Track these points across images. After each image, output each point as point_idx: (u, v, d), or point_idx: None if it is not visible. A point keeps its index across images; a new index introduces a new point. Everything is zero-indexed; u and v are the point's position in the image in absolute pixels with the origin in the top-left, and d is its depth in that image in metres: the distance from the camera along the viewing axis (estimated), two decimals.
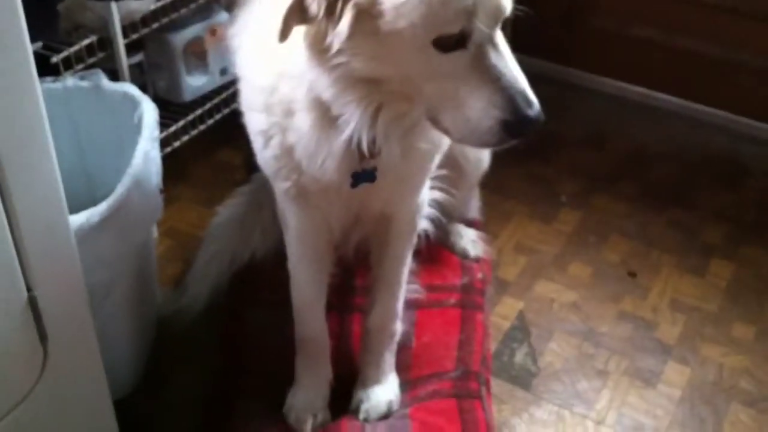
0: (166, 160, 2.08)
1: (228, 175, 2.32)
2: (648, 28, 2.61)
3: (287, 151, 1.38)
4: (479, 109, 1.16)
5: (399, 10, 1.11)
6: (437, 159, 1.52)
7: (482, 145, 1.24)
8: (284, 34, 1.15)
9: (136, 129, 1.66)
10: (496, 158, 1.94)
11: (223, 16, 2.21)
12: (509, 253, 2.17)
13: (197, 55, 2.19)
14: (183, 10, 2.09)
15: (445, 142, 1.45)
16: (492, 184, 2.11)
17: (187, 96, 2.20)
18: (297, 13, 1.14)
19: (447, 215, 1.89)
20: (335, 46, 1.15)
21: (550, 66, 2.76)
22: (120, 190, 1.53)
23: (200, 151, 2.35)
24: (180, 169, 2.29)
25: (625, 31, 2.65)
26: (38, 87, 1.12)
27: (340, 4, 1.13)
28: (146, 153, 1.61)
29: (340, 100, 1.23)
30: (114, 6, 1.86)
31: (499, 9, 1.15)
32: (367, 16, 1.13)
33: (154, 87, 2.20)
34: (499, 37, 1.18)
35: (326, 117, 1.28)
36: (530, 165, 2.42)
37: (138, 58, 2.11)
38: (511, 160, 2.10)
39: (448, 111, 1.19)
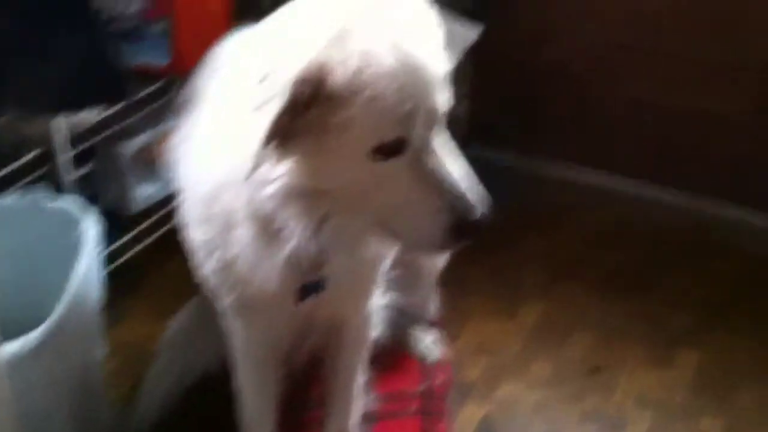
0: (116, 272, 2.06)
1: (181, 285, 2.24)
2: (607, 110, 2.62)
3: (228, 265, 1.35)
4: (423, 216, 1.14)
5: (345, 124, 1.10)
6: (388, 262, 1.49)
7: (430, 251, 1.23)
8: (257, 167, 1.12)
9: (77, 246, 1.62)
10: (453, 252, 1.90)
11: (173, 122, 2.20)
12: (470, 353, 2.11)
13: (147, 163, 2.17)
14: (132, 119, 2.07)
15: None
16: (450, 279, 2.07)
17: (137, 206, 2.17)
18: (273, 140, 1.10)
19: (403, 317, 1.85)
20: (283, 164, 1.14)
21: (507, 155, 2.76)
22: (57, 313, 1.48)
23: (152, 261, 2.28)
24: (131, 281, 2.22)
25: (581, 115, 2.66)
26: None
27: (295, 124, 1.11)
28: (86, 273, 1.56)
29: (281, 213, 1.21)
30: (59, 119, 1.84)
31: (435, 112, 1.15)
32: (315, 132, 1.11)
33: (104, 197, 2.16)
34: (440, 138, 1.17)
35: (268, 229, 1.25)
36: (489, 257, 2.39)
37: (86, 168, 2.08)
38: (470, 254, 2.02)
39: (393, 219, 1.17)
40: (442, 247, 1.19)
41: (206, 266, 1.39)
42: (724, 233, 2.51)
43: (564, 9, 2.54)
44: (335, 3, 1.16)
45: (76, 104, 1.72)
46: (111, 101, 1.87)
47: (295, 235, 1.21)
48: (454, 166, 1.16)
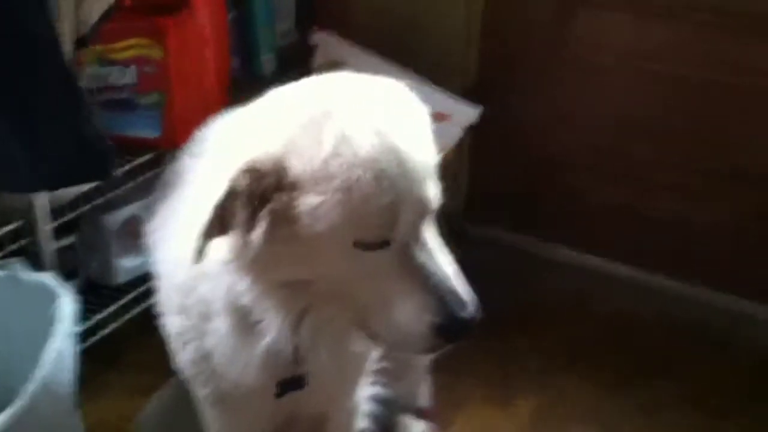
0: (96, 346, 1.98)
1: (163, 359, 2.17)
2: (608, 197, 2.57)
3: (205, 357, 1.30)
4: (409, 313, 1.06)
5: (316, 213, 1.03)
6: (374, 356, 1.44)
7: (415, 351, 1.14)
8: (200, 253, 1.07)
9: (52, 323, 1.55)
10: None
11: (160, 191, 2.16)
12: None
13: (133, 235, 2.10)
14: (119, 190, 2.02)
15: None
16: (443, 363, 1.98)
17: (120, 278, 2.11)
18: (216, 229, 1.06)
19: (392, 407, 1.77)
20: (251, 255, 1.07)
21: (504, 237, 2.70)
22: (25, 396, 1.41)
23: (133, 334, 2.19)
24: (111, 354, 2.15)
25: (585, 199, 2.61)
26: None
27: (256, 213, 1.05)
28: (59, 352, 1.50)
29: (260, 305, 1.14)
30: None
31: (423, 204, 1.08)
32: (284, 221, 1.05)
33: (86, 269, 2.10)
34: (428, 231, 1.10)
35: (246, 322, 1.19)
36: (489, 344, 2.31)
37: (69, 240, 2.03)
38: (467, 342, 2.00)
39: (376, 315, 1.10)
40: (428, 349, 1.10)
41: (182, 356, 1.34)
42: (726, 325, 2.42)
43: (561, 102, 2.51)
44: (321, 88, 1.12)
45: (57, 182, 1.68)
46: (94, 179, 1.82)
47: (274, 329, 1.15)
48: (443, 260, 1.09)
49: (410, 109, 1.12)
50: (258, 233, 1.05)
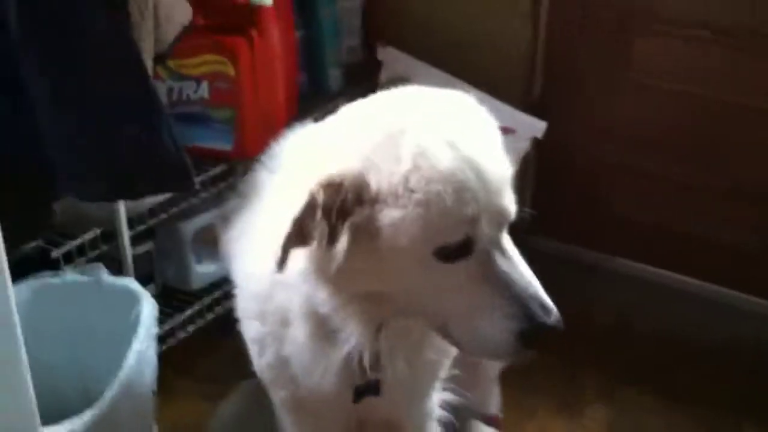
0: (171, 351, 2.03)
1: (235, 366, 2.20)
2: (666, 211, 2.55)
3: (283, 362, 1.32)
4: (491, 321, 1.07)
5: (397, 226, 1.05)
6: (447, 364, 1.44)
7: (497, 357, 1.16)
8: (283, 262, 1.10)
9: (134, 326, 1.61)
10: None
11: (236, 202, 2.20)
12: None
13: (208, 242, 2.16)
14: (194, 199, 2.07)
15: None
16: (512, 376, 1.98)
17: (196, 284, 2.16)
18: (296, 240, 1.09)
19: (463, 414, 1.77)
20: (333, 267, 1.09)
21: (573, 249, 2.68)
22: (108, 395, 1.46)
23: (207, 340, 2.24)
24: (184, 360, 2.19)
25: (643, 213, 2.59)
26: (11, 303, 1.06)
27: (337, 226, 1.07)
28: (140, 354, 1.55)
29: (339, 315, 1.16)
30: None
31: (503, 213, 1.10)
32: (365, 235, 1.07)
33: (163, 275, 2.16)
34: (506, 241, 1.12)
35: (324, 329, 1.22)
36: (553, 354, 2.28)
37: (146, 247, 2.08)
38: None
39: (457, 324, 1.11)
40: (512, 355, 1.11)
41: (261, 361, 1.38)
42: None
43: (617, 120, 2.51)
44: (394, 103, 1.15)
45: (142, 192, 1.74)
46: (177, 190, 1.88)
47: (353, 337, 1.17)
48: (524, 268, 1.10)
49: (481, 122, 1.14)
50: (341, 245, 1.06)
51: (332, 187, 1.05)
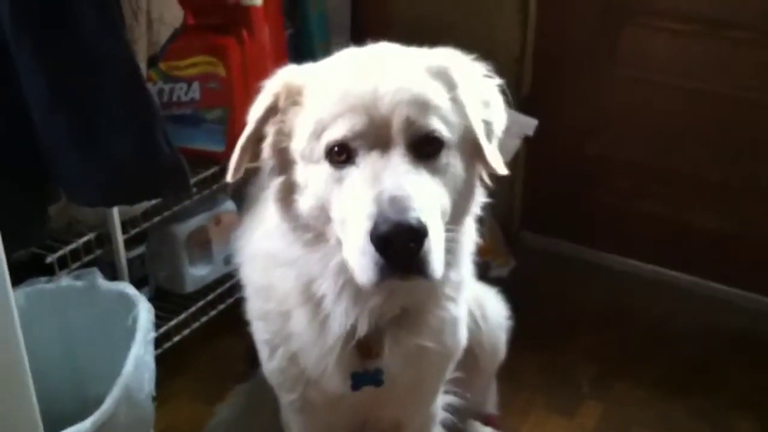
0: (165, 353, 2.02)
1: (229, 366, 2.20)
2: (655, 204, 2.57)
3: (292, 360, 1.36)
4: (357, 225, 1.08)
5: (297, 123, 1.18)
6: (451, 366, 1.47)
7: (363, 272, 1.09)
8: (238, 169, 1.24)
9: (130, 331, 1.60)
10: (511, 347, 1.85)
11: (228, 205, 2.19)
12: None
13: (201, 245, 2.15)
14: (187, 202, 2.05)
15: (459, 347, 1.43)
16: (508, 374, 1.99)
17: (190, 287, 2.14)
18: (251, 148, 1.22)
19: (461, 414, 1.78)
20: (279, 191, 1.22)
21: (563, 244, 2.68)
22: (108, 402, 1.44)
23: (201, 341, 2.24)
24: (179, 362, 2.18)
25: (633, 207, 2.61)
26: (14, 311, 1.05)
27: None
28: (138, 358, 1.53)
29: (309, 260, 1.23)
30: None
31: (389, 126, 1.12)
32: (286, 144, 1.20)
33: (156, 278, 2.14)
34: (397, 154, 1.12)
35: (320, 314, 1.27)
36: (546, 351, 2.31)
37: (139, 250, 2.07)
38: (527, 348, 2.03)
39: (344, 235, 1.13)
40: (372, 265, 1.07)
41: (271, 364, 1.41)
42: None
43: (606, 112, 2.54)
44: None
45: (138, 196, 1.73)
46: (174, 194, 1.88)
47: (338, 313, 1.24)
48: (405, 178, 1.09)
49: (435, 60, 1.21)
50: (267, 142, 1.22)
51: (286, 89, 1.20)
